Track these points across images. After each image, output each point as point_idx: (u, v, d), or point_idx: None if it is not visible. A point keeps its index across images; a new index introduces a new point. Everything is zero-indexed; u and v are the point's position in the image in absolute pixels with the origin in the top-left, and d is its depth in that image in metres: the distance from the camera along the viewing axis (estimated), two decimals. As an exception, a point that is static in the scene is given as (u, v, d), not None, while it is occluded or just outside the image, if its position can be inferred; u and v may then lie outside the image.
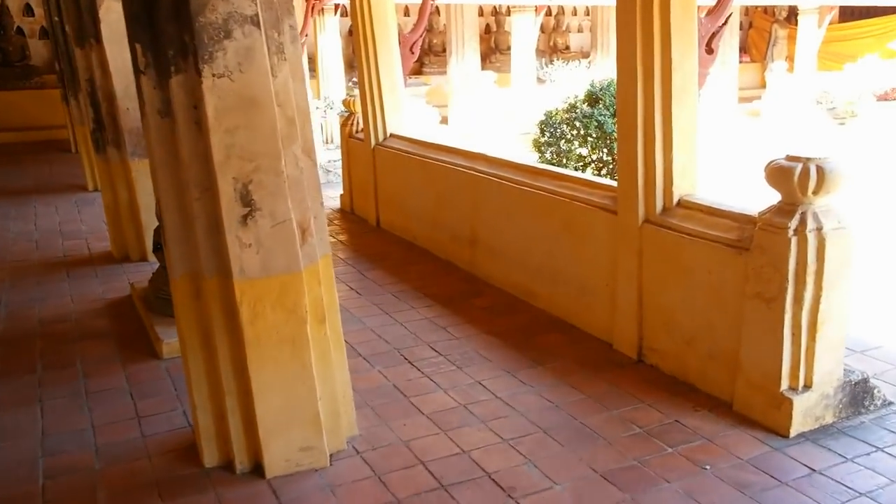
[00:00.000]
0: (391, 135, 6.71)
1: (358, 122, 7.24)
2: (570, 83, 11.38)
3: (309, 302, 2.90)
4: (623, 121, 3.82)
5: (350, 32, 17.37)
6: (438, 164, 5.77)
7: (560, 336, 4.32)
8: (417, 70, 17.45)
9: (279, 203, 2.72)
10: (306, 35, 10.41)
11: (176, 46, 2.57)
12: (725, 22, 3.95)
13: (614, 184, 4.09)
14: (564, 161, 6.08)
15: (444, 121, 14.61)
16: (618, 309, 4.01)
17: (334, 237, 6.58)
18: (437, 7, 17.56)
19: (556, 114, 6.19)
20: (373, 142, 6.80)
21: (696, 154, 3.70)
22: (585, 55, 17.27)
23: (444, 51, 15.81)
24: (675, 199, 3.69)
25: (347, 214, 7.45)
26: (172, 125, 2.67)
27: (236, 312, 2.75)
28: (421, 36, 6.87)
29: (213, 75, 2.55)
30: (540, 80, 13.64)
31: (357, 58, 6.73)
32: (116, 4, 5.39)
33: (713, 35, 3.87)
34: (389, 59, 6.55)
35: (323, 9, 10.82)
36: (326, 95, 11.15)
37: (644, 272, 3.82)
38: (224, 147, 2.62)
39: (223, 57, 2.55)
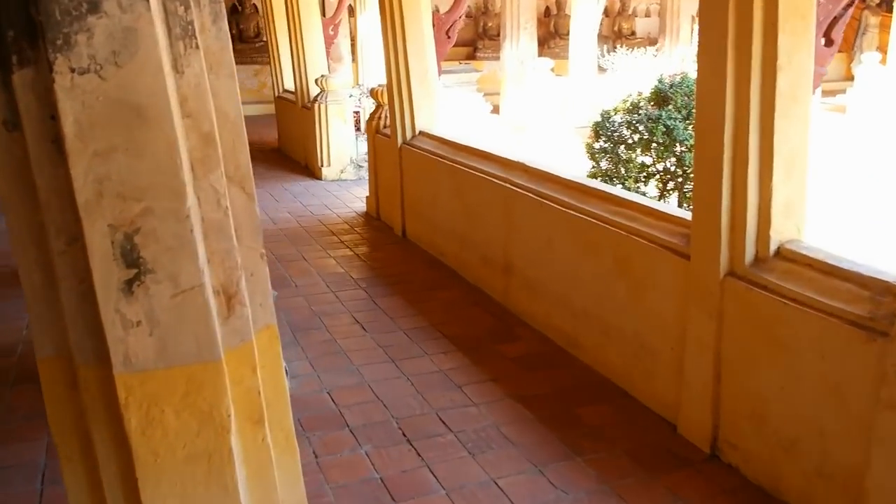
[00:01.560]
0: (420, 132, 5.78)
1: (386, 116, 6.33)
2: (634, 73, 10.24)
3: (238, 398, 2.00)
4: (703, 135, 2.81)
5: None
6: (468, 172, 4.82)
7: (608, 407, 3.35)
8: (470, 55, 16.44)
9: (183, 262, 1.82)
10: (338, 21, 9.52)
11: (18, 25, 1.68)
12: (851, 3, 2.89)
13: (687, 216, 3.08)
14: (623, 171, 5.06)
15: (496, 110, 13.58)
16: (686, 383, 3.02)
17: (352, 250, 5.70)
18: (493, -12, 16.50)
19: (615, 114, 5.17)
20: (399, 140, 5.88)
21: (805, 185, 2.67)
22: (653, 42, 15.97)
23: (500, 35, 14.75)
24: (774, 248, 2.67)
25: (372, 221, 6.56)
26: (24, 143, 1.80)
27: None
28: (460, 17, 5.90)
29: (72, 70, 1.65)
30: (601, 69, 12.49)
31: (384, 42, 5.80)
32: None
33: (834, 21, 2.81)
34: (420, 44, 5.61)
35: (364, -13, 9.92)
36: (363, 82, 10.26)
37: (725, 342, 2.82)
38: (94, 180, 1.72)
39: (87, 42, 1.65)
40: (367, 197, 6.87)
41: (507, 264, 4.45)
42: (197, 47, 1.80)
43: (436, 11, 5.90)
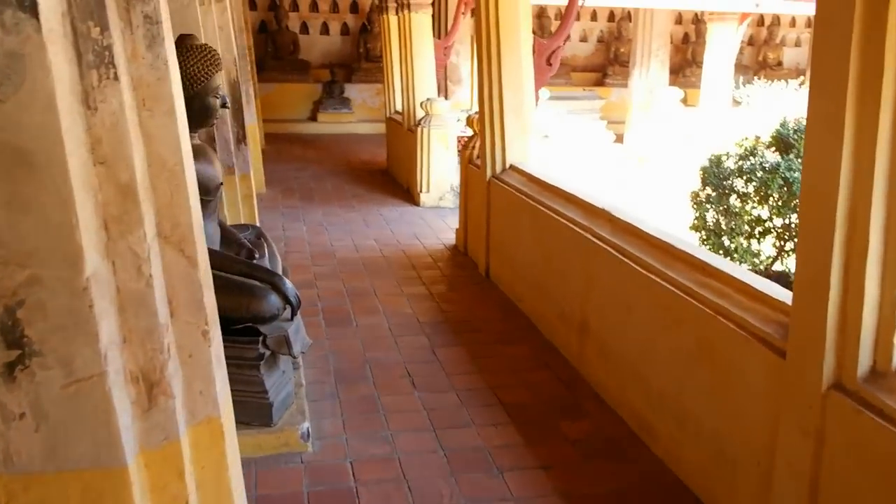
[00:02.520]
0: (510, 166, 5.32)
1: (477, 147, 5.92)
2: (771, 107, 9.29)
3: (160, 508, 1.63)
4: (810, 201, 2.20)
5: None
6: (550, 215, 4.31)
7: (675, 523, 2.74)
8: (598, 81, 15.78)
9: (79, 344, 1.47)
10: (450, 43, 9.23)
11: None
12: None
13: (788, 297, 2.45)
14: (733, 225, 4.37)
15: (620, 140, 12.88)
16: (772, 511, 2.38)
17: (427, 288, 5.31)
18: (628, 13, 15.79)
19: (727, 159, 4.48)
20: (489, 172, 5.44)
21: (947, 281, 2.00)
22: (801, 73, 14.69)
23: (629, 61, 14.02)
24: (898, 360, 2.02)
25: (458, 256, 6.15)
26: None
27: (10, 522, 1.55)
28: (563, 44, 5.42)
29: (-61, 103, 1.35)
30: (735, 102, 11.52)
31: (478, 68, 5.40)
32: (178, -8, 4.48)
33: None
34: (517, 72, 5.16)
35: (483, 9, 9.58)
36: (468, 108, 9.92)
37: (824, 471, 2.17)
38: (-33, 238, 1.41)
39: (-43, 70, 1.34)
40: (456, 229, 6.47)
41: (584, 323, 3.90)
42: (116, 78, 1.45)
43: (537, 37, 5.43)
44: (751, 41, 16.55)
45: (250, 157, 5.06)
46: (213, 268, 3.23)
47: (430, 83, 8.41)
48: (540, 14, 15.52)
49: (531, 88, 5.28)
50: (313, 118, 13.89)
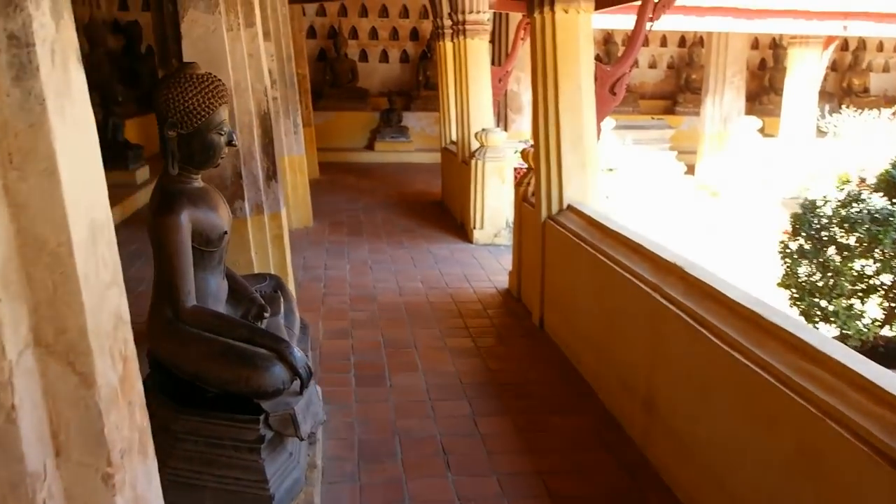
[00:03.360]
0: (568, 206, 4.76)
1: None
2: (863, 140, 8.47)
3: None
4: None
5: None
6: (610, 266, 3.74)
7: None
8: (668, 109, 15.05)
9: None
10: (508, 71, 8.73)
11: None
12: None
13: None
14: (833, 282, 3.69)
15: (691, 171, 12.12)
16: None
17: (474, 341, 4.77)
18: (701, 37, 15.05)
19: (824, 204, 3.81)
20: (544, 212, 4.90)
21: None
22: (890, 102, 13.65)
23: (702, 88, 13.27)
24: None
25: (510, 302, 5.60)
26: None
27: None
28: (629, 72, 4.85)
29: None
30: (819, 132, 10.67)
31: (532, 97, 4.89)
32: (204, 17, 4.12)
33: None
34: (576, 102, 4.62)
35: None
36: (527, 139, 9.37)
37: None
38: None
39: None
40: (510, 272, 5.93)
41: (650, 399, 3.30)
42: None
43: (600, 64, 4.89)
44: (834, 66, 15.55)
45: (281, 193, 4.63)
46: (209, 331, 2.79)
47: (486, 113, 7.94)
48: (606, 40, 14.95)
49: (592, 119, 4.73)
50: (370, 147, 13.60)
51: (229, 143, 2.86)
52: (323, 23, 14.36)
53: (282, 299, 3.30)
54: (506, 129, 11.78)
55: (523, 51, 8.78)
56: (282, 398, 2.71)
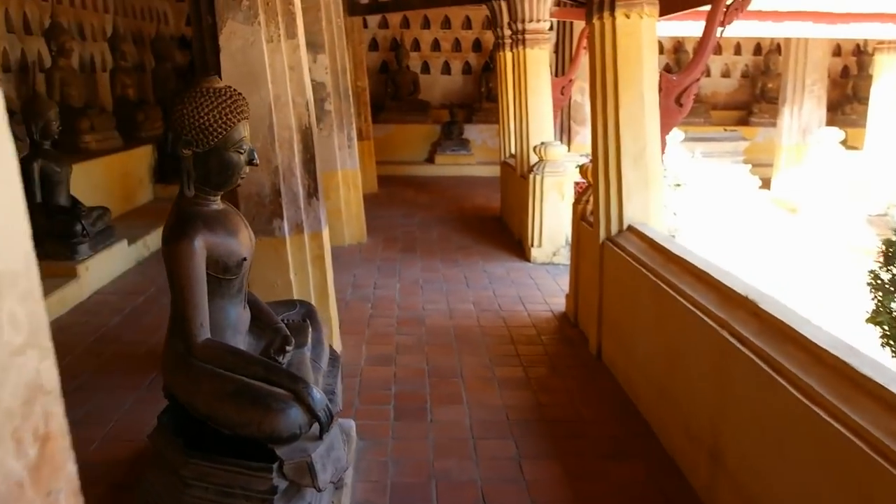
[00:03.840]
0: (629, 227, 4.40)
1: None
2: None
3: None
4: None
5: (668, 70, 14.81)
6: (673, 296, 3.37)
7: None
8: (742, 119, 14.37)
9: None
10: (571, 80, 8.37)
11: None
12: None
13: None
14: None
15: (766, 185, 11.47)
16: None
17: (525, 370, 4.45)
18: (777, 44, 14.34)
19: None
20: (602, 233, 4.55)
21: None
22: None
23: (779, 98, 12.59)
24: None
25: (566, 327, 5.24)
26: None
27: None
28: (697, 81, 4.47)
29: None
30: (910, 144, 9.90)
31: (591, 108, 4.56)
32: (243, 28, 3.95)
33: None
34: (638, 114, 4.27)
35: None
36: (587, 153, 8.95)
37: None
38: None
39: None
40: (566, 295, 5.58)
41: (716, 449, 2.92)
42: None
43: (665, 73, 4.51)
44: (924, 73, 14.55)
45: (323, 211, 4.42)
46: (222, 368, 2.56)
47: (545, 125, 7.61)
48: (677, 48, 14.40)
49: (656, 133, 4.36)
50: (431, 160, 13.40)
51: (250, 161, 2.64)
52: (385, 35, 14.28)
53: (310, 329, 3.06)
54: (569, 142, 11.42)
55: (586, 60, 8.42)
56: (299, 443, 2.46)
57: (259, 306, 2.97)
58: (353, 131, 7.70)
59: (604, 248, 4.53)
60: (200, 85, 2.55)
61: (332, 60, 7.34)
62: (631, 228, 4.36)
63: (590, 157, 8.51)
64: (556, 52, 11.62)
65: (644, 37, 4.21)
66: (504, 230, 8.51)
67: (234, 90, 2.59)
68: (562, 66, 11.26)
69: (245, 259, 2.66)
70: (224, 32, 3.95)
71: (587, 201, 5.13)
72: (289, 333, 2.86)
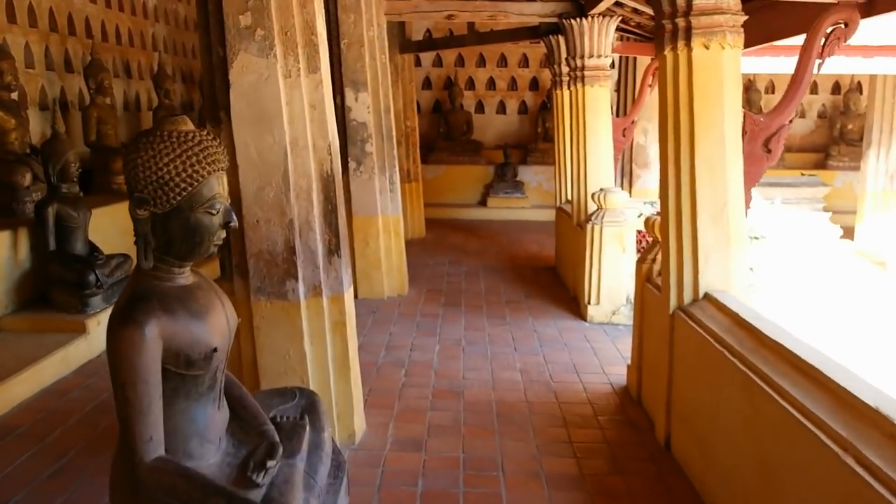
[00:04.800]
0: (706, 296, 3.68)
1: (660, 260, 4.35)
2: None
3: None
4: None
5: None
6: (770, 395, 2.64)
7: None
8: (820, 163, 13.39)
9: None
10: (633, 122, 7.69)
11: None
12: None
13: None
14: None
15: (848, 234, 10.49)
16: None
17: (578, 462, 3.73)
18: (858, 83, 13.39)
19: None
20: (673, 301, 3.84)
21: None
22: None
23: (862, 140, 11.64)
24: None
25: (628, 405, 4.51)
26: None
27: None
28: (788, 124, 3.76)
29: None
30: None
31: (660, 153, 3.89)
32: (257, 61, 3.44)
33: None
34: (719, 160, 3.58)
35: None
36: (655, 200, 8.19)
37: None
38: None
39: None
40: (628, 366, 4.85)
41: None
42: None
43: (750, 114, 3.82)
44: None
45: (346, 270, 3.84)
46: (173, 498, 1.94)
47: (605, 170, 6.93)
48: (747, 87, 13.57)
49: (739, 184, 3.66)
50: (483, 203, 12.81)
51: (226, 224, 2.07)
52: (439, 73, 13.87)
53: (307, 430, 2.44)
54: (630, 186, 10.68)
55: (651, 99, 7.74)
56: None
57: (243, 401, 2.37)
58: (395, 174, 7.17)
59: (675, 319, 3.81)
60: (162, 127, 2.00)
61: (374, 99, 6.85)
62: (709, 298, 3.64)
63: (654, 204, 7.78)
64: (617, 90, 10.96)
65: (726, 71, 3.54)
66: (558, 283, 7.81)
67: (206, 135, 2.03)
68: (623, 106, 10.57)
69: (216, 350, 2.07)
70: (235, 66, 3.45)
71: (654, 260, 4.43)
72: (276, 440, 2.25)
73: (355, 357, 3.96)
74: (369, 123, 6.81)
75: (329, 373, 3.75)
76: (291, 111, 3.53)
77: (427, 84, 13.86)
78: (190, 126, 2.03)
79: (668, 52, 3.66)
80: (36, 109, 7.24)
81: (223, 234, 2.08)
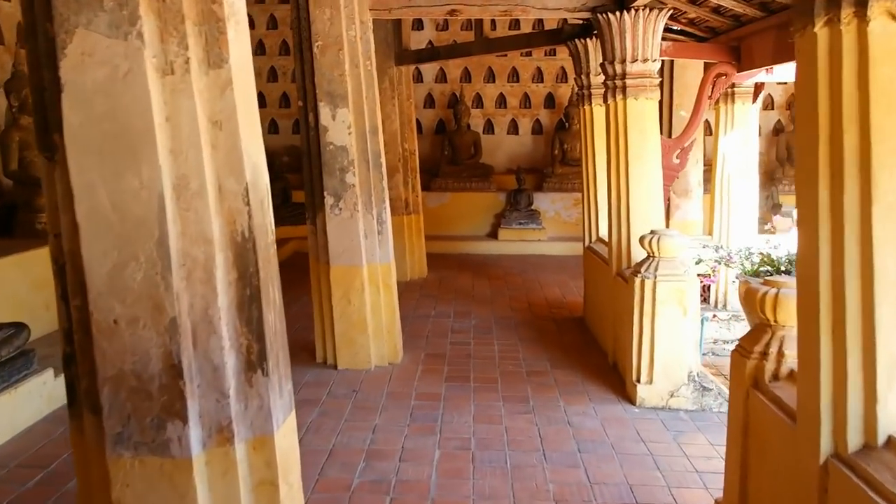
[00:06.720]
0: (889, 441, 2.13)
1: (784, 356, 2.81)
2: None
3: None
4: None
5: (778, 132, 12.32)
6: None
7: None
8: None
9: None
10: (693, 138, 6.17)
11: None
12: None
13: None
14: None
15: None
16: None
17: None
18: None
19: None
20: (825, 443, 2.29)
21: None
22: None
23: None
24: None
25: (726, 575, 2.95)
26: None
27: None
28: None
29: None
30: None
31: (798, 184, 2.35)
32: (107, 45, 1.95)
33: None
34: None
35: (734, 92, 6.48)
36: (721, 235, 6.63)
37: None
38: None
39: None
40: (717, 502, 3.29)
41: None
42: None
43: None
44: None
45: (279, 393, 2.31)
46: None
47: (655, 205, 5.41)
48: (790, 104, 12.06)
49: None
50: (493, 235, 11.29)
51: None
52: (443, 90, 12.42)
53: None
54: (668, 218, 9.12)
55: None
56: None
57: None
58: (385, 211, 5.65)
59: (830, 472, 2.26)
60: None
61: (357, 116, 5.37)
62: (894, 444, 2.10)
63: (718, 249, 6.21)
64: (660, 102, 9.42)
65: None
66: (590, 343, 6.27)
67: None
68: (668, 124, 8.93)
69: None
70: (70, 52, 1.96)
71: (764, 355, 2.89)
72: None
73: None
74: (351, 148, 5.32)
75: (247, 571, 2.21)
76: (175, 131, 2.03)
77: (430, 101, 12.41)
78: None
79: (820, 28, 2.15)
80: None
81: None
